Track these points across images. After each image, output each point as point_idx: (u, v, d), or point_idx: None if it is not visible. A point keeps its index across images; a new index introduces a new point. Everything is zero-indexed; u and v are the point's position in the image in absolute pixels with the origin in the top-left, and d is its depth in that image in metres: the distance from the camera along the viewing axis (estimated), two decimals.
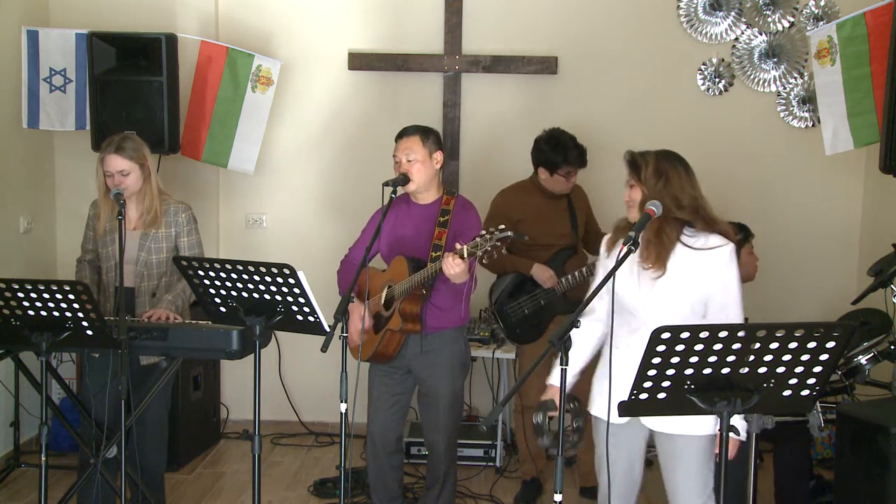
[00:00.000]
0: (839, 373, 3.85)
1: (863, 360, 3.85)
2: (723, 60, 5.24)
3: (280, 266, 2.96)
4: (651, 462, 3.21)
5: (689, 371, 2.27)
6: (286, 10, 5.34)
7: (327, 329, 3.11)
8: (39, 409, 3.30)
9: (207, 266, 3.07)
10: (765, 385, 2.31)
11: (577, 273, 4.33)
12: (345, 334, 3.41)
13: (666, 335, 2.20)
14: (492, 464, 4.94)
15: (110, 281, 3.77)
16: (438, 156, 3.66)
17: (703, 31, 5.23)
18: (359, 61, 5.28)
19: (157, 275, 3.77)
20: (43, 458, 3.27)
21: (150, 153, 3.83)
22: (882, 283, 3.96)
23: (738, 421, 2.68)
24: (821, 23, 5.01)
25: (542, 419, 2.74)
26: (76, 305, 3.11)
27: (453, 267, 3.27)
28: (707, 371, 2.27)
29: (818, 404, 3.38)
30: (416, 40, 5.28)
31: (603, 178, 4.79)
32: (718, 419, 2.37)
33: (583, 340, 2.98)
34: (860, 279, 4.88)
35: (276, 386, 5.43)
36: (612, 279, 2.64)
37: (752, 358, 2.25)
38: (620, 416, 2.46)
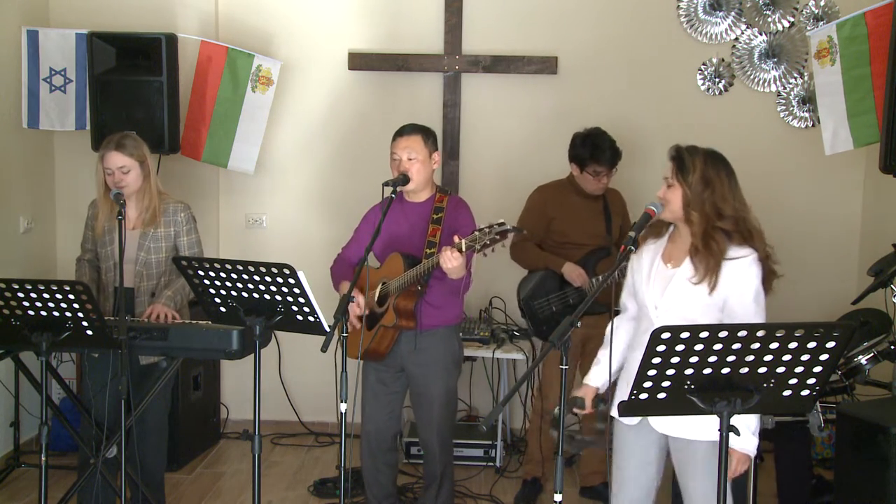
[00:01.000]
0: (839, 373, 3.84)
1: (863, 360, 3.85)
2: (723, 60, 5.24)
3: (280, 266, 2.96)
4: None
5: (689, 371, 2.27)
6: (286, 10, 5.34)
7: (327, 329, 3.11)
8: (39, 409, 3.29)
9: (207, 266, 3.07)
10: (765, 385, 2.31)
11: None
12: (345, 334, 3.41)
13: (666, 335, 2.20)
14: (492, 464, 4.93)
15: (109, 281, 3.77)
16: (436, 156, 3.71)
17: (703, 31, 5.23)
18: (359, 61, 5.28)
19: (157, 274, 3.77)
20: (43, 458, 3.27)
21: (150, 153, 3.83)
22: (882, 284, 3.95)
23: (752, 418, 2.68)
24: (821, 23, 5.01)
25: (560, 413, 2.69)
26: (76, 305, 3.11)
27: (451, 260, 3.28)
28: (707, 371, 2.27)
29: (818, 404, 3.39)
30: (416, 40, 5.28)
31: None
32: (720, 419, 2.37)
33: (622, 338, 2.99)
34: (860, 279, 4.87)
35: (276, 386, 5.43)
36: (611, 279, 2.64)
37: (752, 358, 2.25)
38: (621, 415, 2.46)
